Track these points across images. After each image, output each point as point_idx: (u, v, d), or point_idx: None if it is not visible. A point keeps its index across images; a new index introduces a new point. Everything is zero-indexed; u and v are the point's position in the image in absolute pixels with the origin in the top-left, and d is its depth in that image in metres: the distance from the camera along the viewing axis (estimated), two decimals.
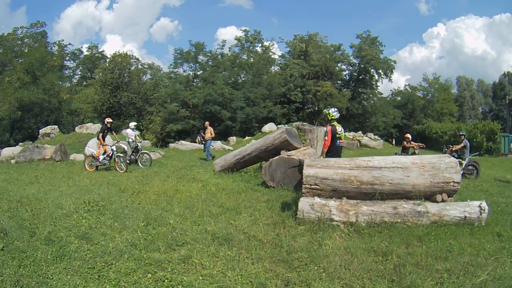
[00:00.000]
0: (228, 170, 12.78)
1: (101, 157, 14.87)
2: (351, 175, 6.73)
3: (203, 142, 27.09)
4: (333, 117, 9.28)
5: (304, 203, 6.60)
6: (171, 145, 30.78)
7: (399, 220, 6.32)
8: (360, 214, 6.39)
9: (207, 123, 21.34)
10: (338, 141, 9.04)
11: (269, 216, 7.09)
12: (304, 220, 6.47)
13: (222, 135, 43.65)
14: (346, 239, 5.91)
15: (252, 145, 12.79)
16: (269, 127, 37.22)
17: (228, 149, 28.31)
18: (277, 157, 10.40)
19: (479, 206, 6.46)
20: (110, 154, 14.81)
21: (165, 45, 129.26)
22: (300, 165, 9.76)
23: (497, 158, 29.32)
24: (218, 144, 29.87)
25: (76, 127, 29.21)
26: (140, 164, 15.44)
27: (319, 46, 59.79)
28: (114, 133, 16.79)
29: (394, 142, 48.85)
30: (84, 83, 61.68)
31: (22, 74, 41.95)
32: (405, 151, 16.75)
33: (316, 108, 57.80)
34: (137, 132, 19.30)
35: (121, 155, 14.82)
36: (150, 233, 6.04)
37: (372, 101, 59.64)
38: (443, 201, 6.61)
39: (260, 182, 10.78)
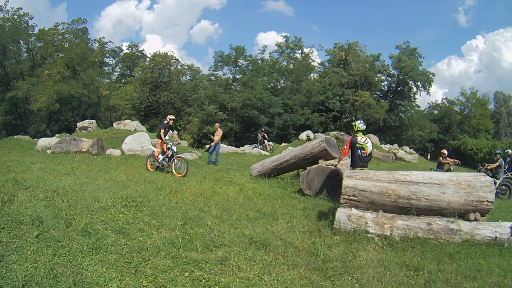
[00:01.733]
0: (264, 176, 12.97)
1: (161, 157, 13.92)
2: (389, 189, 6.93)
3: (259, 146, 27.45)
4: (358, 129, 9.35)
5: (341, 214, 6.83)
6: (207, 146, 31.21)
7: (432, 236, 6.40)
8: (395, 228, 6.54)
9: (217, 124, 20.18)
10: (359, 151, 9.09)
11: (305, 224, 7.34)
12: (340, 230, 6.70)
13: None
14: (379, 251, 6.06)
15: (290, 152, 13.02)
16: (306, 134, 37.15)
17: (265, 155, 28.50)
18: (316, 166, 10.68)
19: (510, 228, 6.48)
20: (170, 155, 13.71)
21: (205, 47, 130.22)
22: (338, 175, 10.01)
23: None
24: (255, 149, 30.03)
25: (114, 123, 29.47)
26: (174, 171, 13.16)
27: (358, 55, 59.39)
28: (175, 132, 15.59)
29: (429, 157, 48.19)
30: (123, 80, 62.80)
31: (62, 68, 42.72)
32: (440, 166, 16.69)
33: (354, 117, 57.30)
34: (174, 132, 19.13)
35: (182, 156, 14.09)
36: (188, 233, 6.18)
37: (409, 114, 58.90)
38: (475, 220, 6.67)
39: (297, 190, 11.03)
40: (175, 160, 13.29)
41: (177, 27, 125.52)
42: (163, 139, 13.97)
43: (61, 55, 44.75)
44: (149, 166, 14.22)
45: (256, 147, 27.39)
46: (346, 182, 7.15)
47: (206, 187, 10.31)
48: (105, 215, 6.62)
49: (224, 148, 29.46)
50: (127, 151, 19.40)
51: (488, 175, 14.58)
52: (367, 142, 9.24)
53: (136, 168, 14.20)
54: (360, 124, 9.44)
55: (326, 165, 10.56)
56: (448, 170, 16.07)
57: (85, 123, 27.63)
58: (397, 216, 6.82)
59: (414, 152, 44.31)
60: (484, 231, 6.45)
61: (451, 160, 16.61)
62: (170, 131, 14.78)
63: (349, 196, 7.09)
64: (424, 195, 6.80)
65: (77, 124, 28.09)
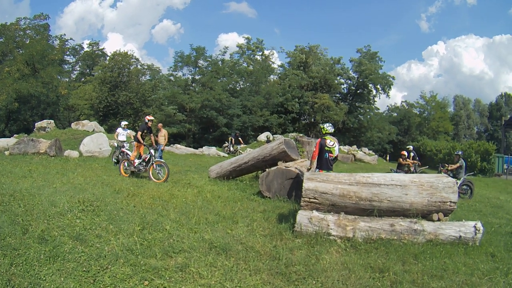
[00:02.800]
0: (223, 178, 12.74)
1: (137, 162, 12.90)
2: (350, 191, 6.73)
3: (229, 151, 26.94)
4: (326, 131, 9.29)
5: (302, 216, 6.59)
6: (166, 148, 30.42)
7: (395, 237, 6.35)
8: (358, 230, 6.39)
9: (160, 124, 19.69)
10: (327, 154, 8.99)
11: (266, 227, 7.08)
12: (301, 233, 6.46)
13: (217, 141, 43.69)
14: (343, 254, 5.90)
15: (249, 154, 12.79)
16: (265, 135, 37.11)
17: (223, 156, 28.31)
18: (275, 168, 10.43)
19: (474, 227, 6.54)
20: (147, 159, 12.77)
21: (166, 47, 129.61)
22: (297, 177, 9.85)
23: (490, 178, 29.47)
24: (213, 151, 29.75)
25: (72, 123, 28.77)
26: (151, 176, 12.24)
27: (319, 58, 60.24)
28: (152, 136, 14.43)
29: (388, 158, 49.00)
30: (83, 79, 61.39)
31: (22, 66, 41.70)
32: (400, 167, 16.77)
33: (313, 119, 57.91)
34: (129, 131, 18.57)
35: (162, 160, 13.03)
36: (146, 238, 5.94)
37: (369, 116, 59.96)
38: (439, 220, 6.66)
39: (256, 192, 10.79)
40: (154, 165, 12.54)
41: (139, 26, 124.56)
42: (141, 141, 13.07)
43: (21, 51, 43.50)
44: (122, 171, 13.14)
45: (227, 146, 26.92)
46: (306, 184, 6.90)
47: (164, 190, 10.02)
48: (62, 220, 6.38)
49: (183, 149, 29.18)
50: (85, 152, 18.87)
51: (449, 175, 14.88)
52: (335, 146, 9.14)
53: (94, 170, 13.69)
54: (328, 127, 9.37)
55: (286, 167, 10.33)
56: (408, 171, 16.11)
57: (43, 123, 26.86)
58: (359, 218, 6.64)
59: (373, 153, 45.03)
60: (448, 231, 6.48)
61: (411, 161, 16.69)
62: (149, 134, 14.00)
63: (309, 198, 6.84)
64: (386, 197, 6.66)
65: (35, 124, 27.31)
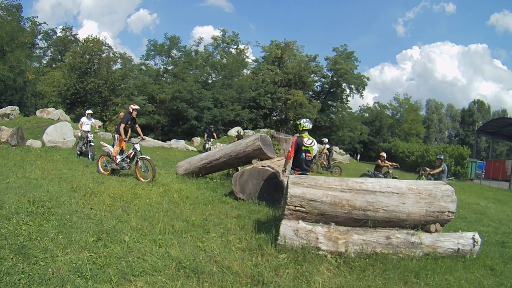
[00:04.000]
0: (192, 175, 11.93)
1: (119, 158, 11.49)
2: (342, 199, 5.85)
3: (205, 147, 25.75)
4: (304, 128, 8.33)
5: (287, 228, 5.62)
6: (133, 139, 29.09)
7: (391, 251, 5.69)
8: (351, 244, 5.58)
9: (121, 113, 18.07)
10: (304, 154, 8.11)
11: (242, 237, 6.09)
12: (285, 247, 5.51)
13: (186, 135, 42.83)
14: (336, 273, 5.09)
15: (221, 150, 11.97)
16: (236, 130, 36.25)
17: (192, 150, 27.74)
18: (250, 167, 9.58)
19: (473, 238, 6.11)
20: (132, 155, 11.42)
21: (140, 37, 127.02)
22: (275, 178, 9.08)
23: (464, 182, 29.60)
24: (182, 144, 28.82)
25: (37, 111, 27.50)
26: (138, 175, 10.90)
27: (294, 54, 59.92)
28: (138, 128, 12.41)
29: (359, 158, 48.84)
30: (53, 65, 59.39)
31: None
32: (378, 169, 16.12)
33: (284, 116, 57.45)
34: (93, 121, 16.89)
35: (147, 157, 11.15)
36: (101, 254, 4.90)
37: (341, 115, 59.82)
38: (436, 231, 6.12)
39: (228, 192, 10.01)
40: (139, 162, 11.04)
41: (115, 14, 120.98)
42: (122, 135, 11.52)
43: None
44: (101, 169, 11.55)
45: (206, 144, 25.80)
46: (292, 190, 5.87)
47: (127, 187, 9.09)
48: (6, 226, 5.37)
49: (150, 142, 28.25)
50: (48, 142, 17.44)
51: (430, 180, 14.34)
52: (313, 145, 8.27)
53: (54, 163, 12.51)
54: (306, 123, 8.38)
55: (262, 166, 9.43)
56: (387, 173, 15.50)
57: (7, 109, 25.78)
58: (352, 230, 5.79)
59: (344, 152, 44.75)
60: (446, 243, 5.98)
61: (390, 163, 16.03)
62: (133, 125, 12.25)
63: (295, 206, 5.83)
64: (382, 206, 5.90)
65: None
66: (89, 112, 16.33)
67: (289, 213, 5.85)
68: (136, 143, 11.24)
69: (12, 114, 25.12)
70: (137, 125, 12.28)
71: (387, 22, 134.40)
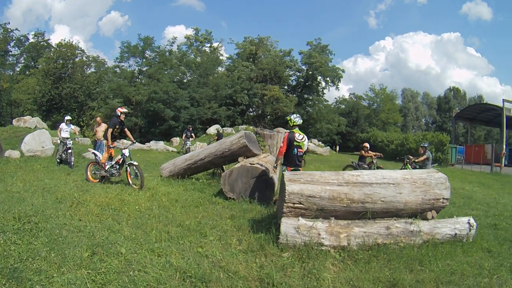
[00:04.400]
0: (177, 176, 11.73)
1: (108, 165, 11.00)
2: (341, 192, 5.81)
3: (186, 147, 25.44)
4: (294, 123, 8.37)
5: (287, 226, 5.52)
6: (119, 145, 28.62)
7: (392, 241, 5.72)
8: (352, 237, 5.55)
9: (98, 118, 17.43)
10: (296, 149, 8.11)
11: (241, 239, 5.94)
12: (287, 245, 5.42)
13: (164, 136, 42.41)
14: (342, 268, 5.05)
15: (205, 149, 11.75)
16: (216, 128, 36.04)
17: (172, 151, 27.50)
18: (239, 165, 9.38)
19: (468, 223, 6.25)
20: (121, 161, 10.90)
21: (113, 40, 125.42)
22: (264, 176, 8.95)
23: (447, 168, 30.05)
24: (161, 145, 28.53)
25: (13, 120, 26.77)
26: (130, 182, 10.49)
27: (268, 50, 59.89)
28: (128, 132, 11.74)
29: (337, 149, 49.09)
30: (27, 72, 58.08)
31: None
32: (362, 160, 16.13)
33: (261, 111, 57.41)
34: (72, 127, 16.54)
35: (135, 163, 10.55)
36: (99, 270, 4.58)
37: (317, 108, 59.98)
38: (432, 218, 6.22)
39: (216, 192, 9.83)
40: (128, 168, 10.60)
41: (86, 17, 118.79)
42: (109, 140, 11.02)
43: None
44: (90, 176, 11.11)
45: (185, 144, 25.47)
46: (290, 187, 5.79)
47: (113, 194, 8.77)
48: None
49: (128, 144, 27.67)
50: (27, 152, 16.91)
51: (415, 168, 14.45)
52: (304, 140, 8.27)
53: (35, 173, 12.12)
54: (296, 118, 8.40)
55: (250, 163, 9.27)
56: (371, 163, 15.55)
57: None
58: (352, 223, 5.75)
59: (323, 144, 44.91)
60: (444, 229, 6.09)
61: (373, 153, 16.07)
62: (121, 129, 11.59)
63: (294, 203, 5.76)
64: (380, 197, 5.92)
65: None
66: (67, 118, 15.88)
67: (288, 211, 5.77)
68: (125, 148, 10.83)
69: None
70: (126, 129, 11.72)
71: (359, 14, 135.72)
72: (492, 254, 5.91)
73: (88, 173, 11.18)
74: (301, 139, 8.15)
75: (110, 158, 11.21)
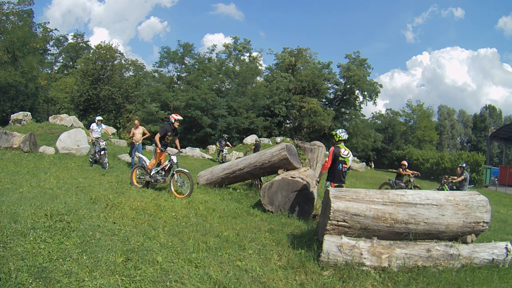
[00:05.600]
0: (214, 185, 11.77)
1: (154, 171, 10.79)
2: (385, 212, 5.78)
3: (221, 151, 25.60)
4: (340, 138, 8.28)
5: (330, 244, 5.53)
6: (148, 147, 28.93)
7: (431, 264, 5.64)
8: (394, 258, 5.51)
9: (136, 121, 17.21)
10: (341, 165, 8.06)
11: (281, 254, 5.91)
12: (328, 263, 5.41)
13: (200, 143, 42.70)
14: None
15: (244, 159, 11.77)
16: (253, 139, 36.08)
17: (208, 158, 27.67)
18: (280, 178, 9.30)
19: (506, 248, 6.13)
20: (167, 167, 10.64)
21: (151, 45, 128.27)
22: (304, 190, 8.87)
23: (481, 189, 28.99)
24: (197, 152, 28.76)
25: (50, 117, 27.17)
26: (173, 189, 10.19)
27: (307, 61, 59.64)
28: (177, 140, 11.54)
29: (373, 166, 48.44)
30: (65, 72, 59.37)
31: (1, 52, 39.42)
32: (399, 178, 15.94)
33: (297, 123, 57.14)
34: (104, 127, 16.70)
35: (185, 171, 10.24)
36: (133, 277, 4.50)
37: (354, 122, 59.34)
38: (472, 242, 6.11)
39: (254, 204, 9.81)
40: (175, 175, 10.25)
41: (125, 22, 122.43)
42: (158, 144, 10.62)
43: (2, 38, 41.29)
44: (135, 180, 11.01)
45: (221, 151, 25.63)
46: (335, 204, 5.78)
47: (149, 199, 8.75)
48: (23, 243, 4.93)
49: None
50: (62, 149, 17.16)
51: (452, 188, 14.20)
52: (349, 156, 8.23)
53: (69, 171, 12.31)
54: (342, 133, 8.34)
55: (292, 177, 9.19)
56: (408, 182, 15.35)
57: (20, 115, 25.07)
58: (394, 244, 5.73)
59: (359, 160, 44.41)
60: (482, 254, 5.99)
61: (411, 171, 15.85)
62: (173, 136, 11.22)
63: (338, 221, 5.74)
64: (423, 219, 5.85)
65: (11, 116, 25.38)
66: (99, 118, 16.11)
67: (331, 228, 5.76)
68: (173, 155, 10.61)
69: (24, 120, 24.58)
70: (176, 137, 11.48)
71: (397, 28, 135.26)
72: None
73: (134, 177, 11.08)
74: (347, 154, 8.12)
75: (158, 164, 11.01)
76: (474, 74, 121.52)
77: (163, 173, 10.70)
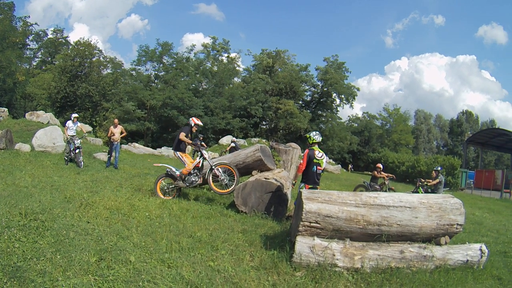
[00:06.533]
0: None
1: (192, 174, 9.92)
2: (358, 214, 5.76)
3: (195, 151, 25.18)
4: (314, 141, 8.29)
5: (303, 245, 5.49)
6: (123, 146, 28.51)
7: (405, 265, 5.69)
8: (366, 259, 5.52)
9: (116, 120, 16.92)
10: (315, 167, 8.06)
11: (254, 254, 5.85)
12: (301, 264, 5.37)
13: None
14: None
15: (218, 160, 11.45)
16: (229, 139, 35.94)
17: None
18: (253, 179, 9.25)
19: (480, 249, 6.27)
20: (200, 164, 10.00)
21: (130, 43, 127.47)
22: (278, 191, 8.85)
23: (456, 192, 29.83)
24: (172, 152, 28.43)
25: (26, 114, 26.67)
26: (212, 185, 9.77)
27: (285, 63, 59.85)
28: (202, 142, 10.78)
29: (350, 168, 48.78)
30: (43, 67, 58.57)
31: None
32: (374, 180, 16.03)
33: (274, 125, 57.28)
34: (79, 125, 16.24)
35: (226, 162, 10.01)
36: (106, 277, 4.44)
37: (330, 125, 59.81)
38: (446, 244, 6.18)
39: (228, 204, 9.70)
40: (215, 170, 9.69)
41: (106, 18, 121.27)
42: (187, 140, 10.17)
43: None
44: (160, 193, 9.99)
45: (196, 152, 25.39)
46: (307, 206, 5.72)
47: (123, 198, 8.63)
48: None
49: (141, 148, 27.96)
50: (37, 147, 16.96)
51: (427, 191, 14.36)
52: (323, 158, 8.23)
53: (45, 169, 12.21)
54: (315, 136, 8.32)
55: (266, 178, 9.16)
56: (383, 184, 15.45)
57: None
58: (367, 246, 5.72)
59: (334, 162, 44.70)
60: (456, 255, 6.09)
61: (386, 174, 15.96)
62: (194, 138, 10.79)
63: (310, 222, 5.69)
64: (396, 221, 5.84)
65: None
66: (75, 115, 15.84)
67: (303, 229, 5.71)
68: (203, 149, 10.10)
69: (0, 116, 24.23)
70: (201, 140, 10.70)
71: (376, 33, 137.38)
72: (502, 282, 5.93)
73: (158, 189, 10.08)
74: (321, 156, 8.12)
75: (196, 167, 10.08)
76: (452, 80, 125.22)
77: (197, 171, 10.00)
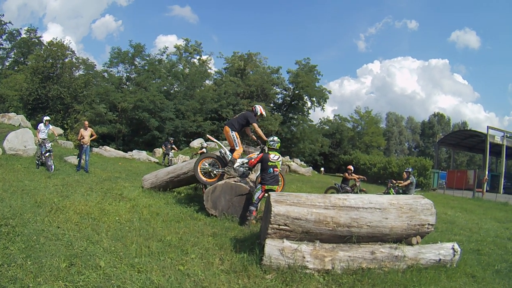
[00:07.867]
0: (159, 189, 11.48)
1: (239, 162, 9.46)
2: (327, 216, 5.77)
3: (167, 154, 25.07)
4: (270, 147, 8.66)
5: (272, 247, 5.44)
6: (94, 149, 27.94)
7: (376, 266, 5.72)
8: (337, 261, 5.52)
9: (86, 122, 16.65)
10: (272, 169, 8.33)
11: (223, 258, 5.79)
12: (271, 267, 5.32)
13: (147, 145, 41.88)
14: None
15: (189, 163, 11.52)
16: (199, 142, 35.67)
17: (154, 162, 27.22)
18: (223, 182, 9.16)
19: (452, 248, 6.35)
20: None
21: (104, 44, 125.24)
22: (248, 194, 8.83)
23: (428, 193, 30.15)
24: (144, 155, 28.21)
25: None
26: None
27: (257, 66, 59.85)
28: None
29: (323, 170, 49.01)
30: (16, 68, 56.77)
31: None
32: (345, 182, 16.10)
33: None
34: (51, 128, 16.06)
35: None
36: (76, 283, 4.41)
37: (302, 127, 59.98)
38: (417, 243, 6.26)
39: (198, 208, 9.56)
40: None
41: (80, 18, 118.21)
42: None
43: None
44: (201, 174, 9.70)
45: (167, 154, 25.11)
46: (276, 208, 5.71)
47: (93, 203, 8.60)
48: None
49: (112, 152, 27.50)
50: (9, 150, 16.38)
51: (399, 192, 14.49)
52: (279, 160, 8.54)
53: (15, 173, 12.03)
54: (272, 143, 8.69)
55: (235, 181, 9.11)
56: (354, 186, 15.53)
57: None
58: (337, 247, 5.73)
59: (306, 164, 44.82)
60: (428, 255, 6.16)
61: (357, 176, 16.05)
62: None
63: (279, 225, 5.68)
64: (366, 222, 5.92)
65: None
66: (46, 118, 15.49)
67: (272, 232, 5.68)
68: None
69: None
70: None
71: (349, 37, 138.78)
72: (476, 279, 6.02)
73: (199, 169, 9.69)
74: (277, 159, 8.42)
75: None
76: (424, 83, 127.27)
77: (246, 165, 9.49)
